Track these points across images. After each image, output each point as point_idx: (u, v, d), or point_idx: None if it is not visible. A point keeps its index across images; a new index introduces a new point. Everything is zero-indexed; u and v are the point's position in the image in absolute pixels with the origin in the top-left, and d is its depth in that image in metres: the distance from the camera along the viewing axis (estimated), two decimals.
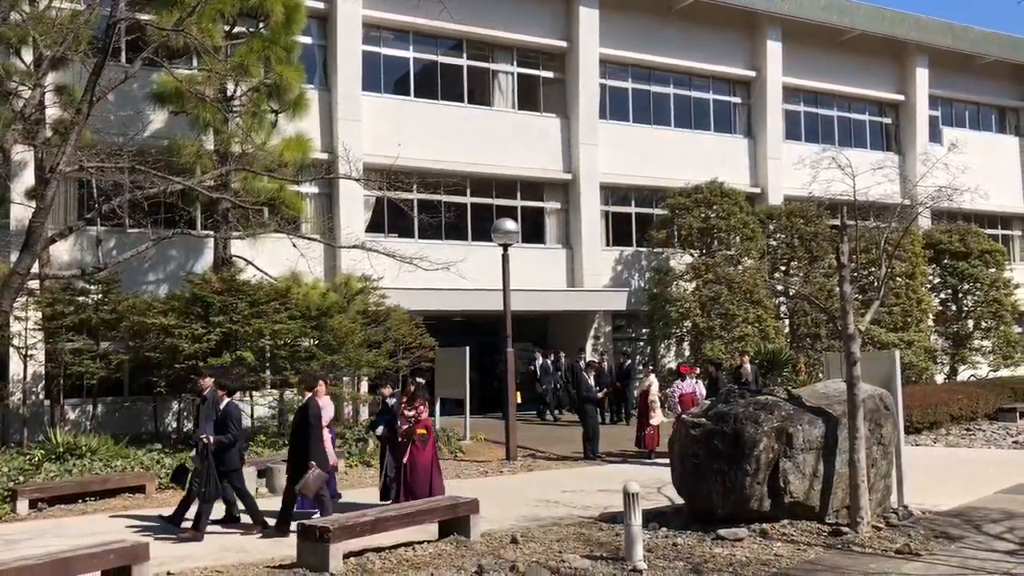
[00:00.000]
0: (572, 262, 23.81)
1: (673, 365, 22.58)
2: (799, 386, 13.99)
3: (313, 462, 9.59)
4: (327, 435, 10.66)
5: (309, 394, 10.23)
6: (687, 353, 23.11)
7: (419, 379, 11.59)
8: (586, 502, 11.42)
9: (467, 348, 18.04)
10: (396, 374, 16.44)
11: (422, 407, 10.75)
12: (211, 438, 9.87)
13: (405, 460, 10.53)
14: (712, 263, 22.58)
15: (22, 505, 11.47)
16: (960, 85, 31.36)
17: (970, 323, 26.98)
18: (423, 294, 19.18)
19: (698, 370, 18.74)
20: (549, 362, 21.48)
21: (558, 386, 21.36)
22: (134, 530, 10.12)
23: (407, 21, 21.81)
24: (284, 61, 16.75)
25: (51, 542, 9.12)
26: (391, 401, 11.43)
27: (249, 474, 12.61)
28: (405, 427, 10.65)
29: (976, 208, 27.23)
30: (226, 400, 10.25)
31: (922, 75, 29.81)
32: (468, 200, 22.59)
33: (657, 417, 15.88)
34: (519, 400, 21.36)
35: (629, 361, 22.52)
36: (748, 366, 18.08)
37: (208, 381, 10.78)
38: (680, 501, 10.24)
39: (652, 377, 16.62)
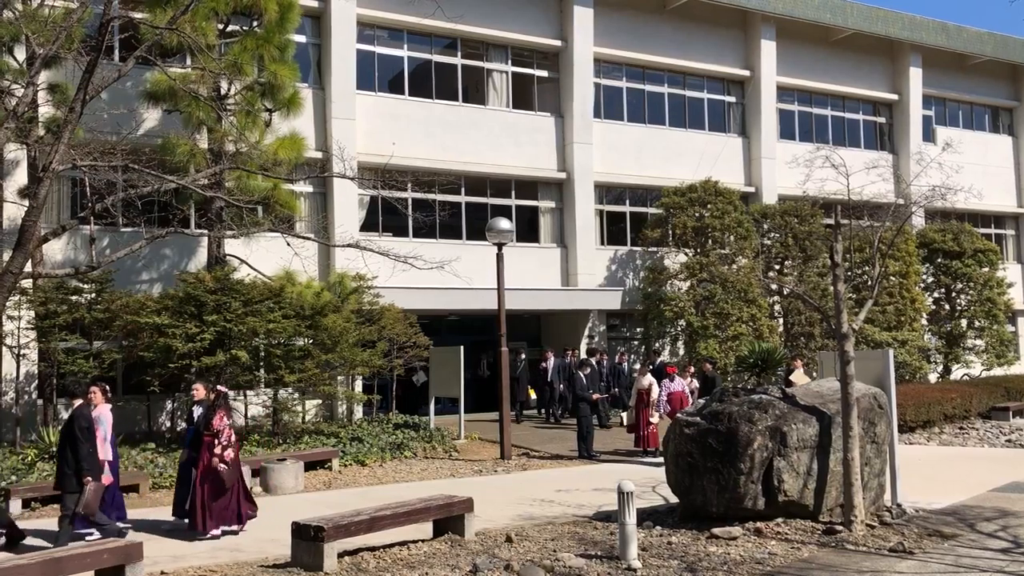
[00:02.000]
0: (566, 261, 23.81)
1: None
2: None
3: (89, 477, 8.94)
4: (108, 451, 9.71)
5: (78, 402, 9.32)
6: (681, 352, 23.13)
7: (220, 388, 10.38)
8: (580, 501, 11.42)
9: (462, 347, 18.05)
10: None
11: (224, 418, 9.82)
12: None
13: (202, 477, 9.68)
14: (706, 262, 22.60)
15: (15, 504, 11.43)
16: (953, 84, 31.44)
17: (963, 322, 27.04)
18: (417, 293, 19.16)
19: (692, 369, 18.75)
20: (594, 362, 20.63)
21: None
22: (127, 529, 10.08)
23: (401, 20, 21.79)
24: (278, 59, 16.71)
25: (44, 542, 9.10)
26: (197, 411, 10.33)
27: (244, 473, 12.62)
28: (208, 437, 9.74)
29: (969, 207, 27.36)
30: None
31: (916, 74, 29.88)
32: (462, 199, 22.58)
33: (655, 416, 15.91)
34: (532, 397, 21.32)
35: (660, 359, 22.25)
36: (801, 370, 15.88)
37: None
38: (674, 500, 10.25)
39: (649, 376, 16.61)
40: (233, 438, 9.86)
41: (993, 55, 31.22)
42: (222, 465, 9.63)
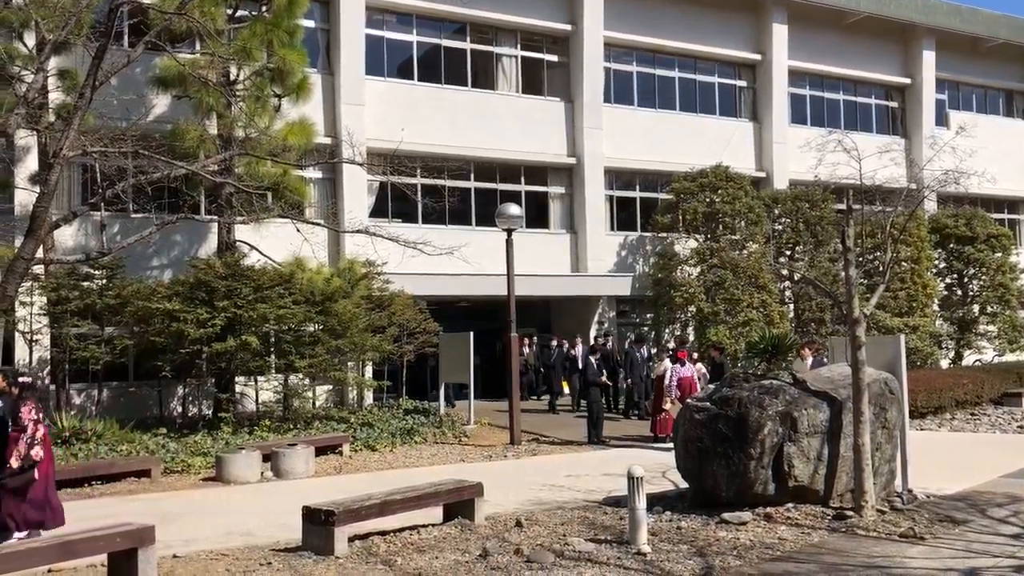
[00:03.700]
0: (576, 247, 23.77)
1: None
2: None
3: None
4: None
5: None
6: (691, 338, 23.09)
7: (23, 379, 9.15)
8: (590, 486, 11.44)
9: (471, 333, 18.05)
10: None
11: (32, 412, 8.77)
12: None
13: (8, 478, 8.60)
14: (717, 248, 22.52)
15: None
16: (967, 68, 31.15)
17: (976, 308, 26.88)
18: (427, 279, 19.17)
19: (696, 355, 18.70)
20: (643, 352, 19.75)
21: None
22: (140, 514, 10.14)
23: (410, 4, 21.71)
24: (287, 45, 16.69)
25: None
26: None
27: (255, 458, 12.70)
28: (15, 433, 8.71)
29: (983, 192, 27.05)
30: None
31: (929, 58, 29.62)
32: (472, 185, 22.54)
33: (669, 402, 15.89)
34: (566, 391, 21.09)
35: (672, 345, 21.95)
36: (809, 360, 14.82)
37: None
38: (685, 485, 10.25)
39: (667, 362, 16.57)
40: (40, 434, 8.78)
41: (1008, 38, 30.89)
42: (15, 463, 8.56)
